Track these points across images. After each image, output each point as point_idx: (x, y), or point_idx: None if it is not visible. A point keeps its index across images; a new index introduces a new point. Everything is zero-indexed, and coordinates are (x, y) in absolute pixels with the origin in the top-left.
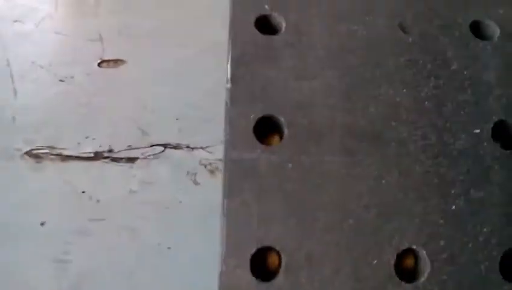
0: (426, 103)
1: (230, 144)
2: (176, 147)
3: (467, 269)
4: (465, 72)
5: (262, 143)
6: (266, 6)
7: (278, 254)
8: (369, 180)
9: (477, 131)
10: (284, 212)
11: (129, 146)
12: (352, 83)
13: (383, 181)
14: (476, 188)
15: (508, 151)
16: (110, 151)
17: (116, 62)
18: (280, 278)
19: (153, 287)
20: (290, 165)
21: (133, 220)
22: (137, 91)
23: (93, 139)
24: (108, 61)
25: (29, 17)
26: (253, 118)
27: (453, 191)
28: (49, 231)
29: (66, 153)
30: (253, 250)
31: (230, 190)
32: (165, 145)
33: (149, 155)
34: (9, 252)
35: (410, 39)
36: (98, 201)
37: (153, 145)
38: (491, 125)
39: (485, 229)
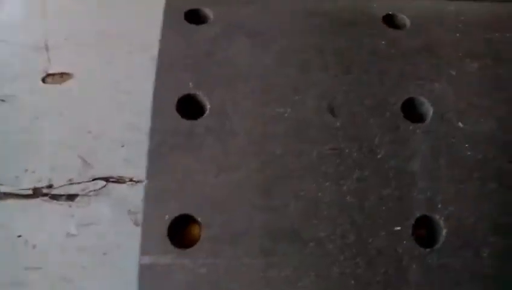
0: (348, 197)
1: (143, 247)
2: (119, 180)
3: None
4: (391, 162)
5: (180, 239)
6: (190, 85)
7: None
8: (284, 284)
9: (398, 229)
10: None
11: (70, 180)
12: (274, 176)
13: (299, 284)
14: (391, 288)
15: (428, 250)
16: (50, 187)
17: (62, 76)
18: None
19: None
20: (204, 269)
21: (69, 268)
22: (82, 112)
23: (33, 172)
24: (53, 75)
25: None
26: (167, 219)
27: None
28: None
29: (3, 189)
30: None
31: None
32: (107, 179)
33: (90, 191)
34: None
35: (338, 123)
36: (34, 246)
37: (95, 179)
38: (412, 222)
39: None
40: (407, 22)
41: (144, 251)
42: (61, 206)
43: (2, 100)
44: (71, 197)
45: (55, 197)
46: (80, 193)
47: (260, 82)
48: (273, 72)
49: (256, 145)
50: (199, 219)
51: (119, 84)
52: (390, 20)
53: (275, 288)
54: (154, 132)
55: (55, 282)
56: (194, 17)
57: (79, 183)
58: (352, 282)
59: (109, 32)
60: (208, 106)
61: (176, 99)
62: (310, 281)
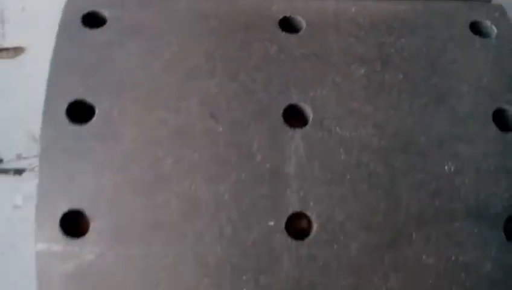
0: (225, 196)
1: (37, 237)
2: None
3: None
4: (267, 165)
5: (76, 228)
6: (80, 90)
7: None
8: (165, 269)
9: (271, 223)
10: None
11: (18, 155)
12: (156, 178)
13: (179, 270)
14: (265, 275)
15: (299, 242)
16: (0, 161)
17: (16, 50)
18: None
19: None
20: (92, 256)
21: (15, 237)
22: (33, 89)
23: None
24: (8, 49)
25: None
26: (59, 212)
27: (244, 278)
28: None
29: None
30: None
31: (38, 280)
32: None
33: (36, 166)
34: None
35: (220, 129)
36: None
37: None
38: (285, 218)
39: None
40: (303, 25)
41: (38, 239)
42: (9, 180)
43: None
44: (19, 171)
45: (3, 171)
46: (28, 167)
47: (147, 88)
48: (160, 79)
49: (140, 149)
50: (86, 213)
51: None
52: (286, 24)
53: (156, 274)
54: (44, 135)
55: (2, 249)
56: (92, 20)
57: (26, 158)
58: (228, 268)
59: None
60: (96, 111)
61: (65, 105)
62: (188, 268)
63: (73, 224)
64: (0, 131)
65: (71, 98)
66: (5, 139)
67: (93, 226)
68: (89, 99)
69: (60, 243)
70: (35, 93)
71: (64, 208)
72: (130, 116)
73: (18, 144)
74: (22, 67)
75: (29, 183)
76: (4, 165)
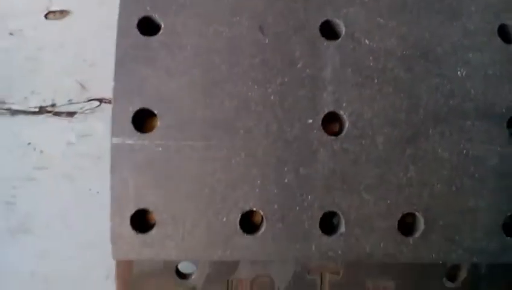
0: (271, 97)
1: (113, 132)
2: (110, 101)
3: (293, 226)
4: (307, 70)
5: (143, 126)
6: (148, 8)
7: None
8: (220, 160)
9: (310, 121)
10: (154, 184)
11: (69, 100)
12: (213, 81)
13: (232, 161)
14: (304, 166)
15: (333, 137)
16: (53, 105)
17: (62, 13)
18: (153, 231)
19: (84, 224)
20: (160, 148)
21: (70, 169)
22: (80, 45)
23: (39, 93)
24: (54, 12)
25: None
26: (131, 110)
27: (286, 168)
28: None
29: (14, 107)
30: (133, 211)
31: (112, 168)
32: (101, 100)
33: (86, 109)
34: None
35: (267, 40)
36: (41, 152)
37: (90, 100)
38: (322, 117)
39: (309, 197)
40: None
41: (114, 134)
42: (62, 121)
43: (11, 34)
44: (71, 114)
45: (57, 114)
46: (78, 110)
47: (204, 6)
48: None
49: (200, 56)
50: (155, 112)
51: (111, 20)
52: None
53: (213, 164)
54: (119, 45)
55: (58, 179)
56: None
57: (77, 103)
58: (273, 160)
59: None
60: (162, 26)
61: (136, 20)
62: (240, 159)
63: (144, 122)
64: (53, 80)
65: (140, 14)
66: (58, 87)
67: (160, 122)
68: (156, 15)
69: (132, 137)
70: (81, 49)
71: (136, 106)
72: (191, 29)
73: (69, 91)
74: (68, 27)
75: (80, 124)
76: (57, 109)
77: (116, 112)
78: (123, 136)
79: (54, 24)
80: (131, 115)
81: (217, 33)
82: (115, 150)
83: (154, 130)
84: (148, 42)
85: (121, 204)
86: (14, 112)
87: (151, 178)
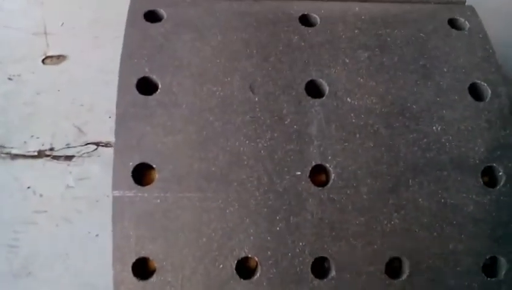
0: (262, 151)
1: (114, 184)
2: (107, 144)
3: (287, 270)
4: (294, 126)
5: (142, 180)
6: (146, 69)
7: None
8: (215, 211)
9: (298, 173)
10: (154, 233)
11: (67, 144)
12: (207, 137)
13: (227, 211)
14: (294, 215)
15: (320, 188)
16: (51, 149)
17: (59, 58)
18: (153, 278)
19: (84, 265)
20: (158, 200)
21: (69, 212)
22: (76, 89)
23: (37, 138)
24: (51, 57)
25: None
26: (131, 165)
27: (277, 217)
28: (2, 221)
29: (14, 151)
30: (134, 259)
31: (114, 219)
32: (98, 144)
33: (83, 153)
34: None
35: (256, 98)
36: (41, 195)
37: (88, 144)
38: (309, 169)
39: (300, 243)
40: (318, 20)
41: (114, 187)
42: (60, 165)
43: (10, 78)
44: (69, 157)
45: (55, 157)
46: (75, 154)
47: (199, 68)
48: (209, 60)
49: (195, 114)
50: (154, 166)
51: (106, 65)
52: (304, 20)
53: (208, 214)
54: (119, 104)
55: (58, 221)
56: (152, 16)
57: (75, 147)
58: (265, 210)
59: (99, 20)
60: (160, 85)
61: (135, 80)
62: (234, 209)
63: (143, 174)
64: (51, 124)
65: (139, 75)
66: (56, 131)
67: (159, 175)
68: (154, 76)
69: (132, 190)
70: (77, 93)
71: (135, 161)
72: (187, 89)
73: (66, 136)
74: (65, 72)
75: (77, 168)
76: (56, 153)
77: (117, 166)
78: (123, 189)
79: (51, 69)
80: (131, 169)
81: (210, 92)
82: (116, 202)
83: (153, 183)
84: (146, 101)
85: (123, 253)
86: (14, 156)
87: (151, 228)
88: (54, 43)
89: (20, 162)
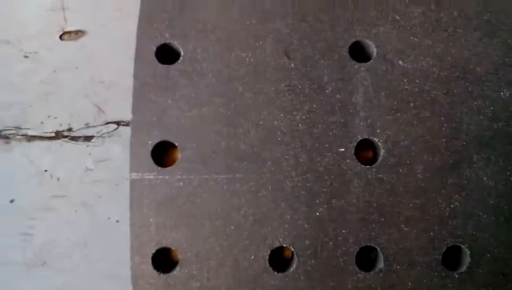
0: (300, 125)
1: (132, 166)
2: (128, 124)
3: (327, 262)
4: (337, 95)
5: (163, 160)
6: (166, 35)
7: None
8: (246, 194)
9: (342, 150)
10: (176, 221)
11: (86, 124)
12: (237, 110)
13: (259, 194)
14: (337, 198)
15: (368, 167)
16: (70, 130)
17: (77, 33)
18: (176, 270)
19: (103, 254)
20: (181, 183)
21: (88, 196)
22: (96, 66)
23: (55, 118)
24: (69, 32)
25: None
26: (150, 143)
27: (317, 201)
28: (17, 208)
29: (30, 133)
30: (154, 250)
31: (132, 205)
32: (119, 123)
33: (104, 133)
34: None
35: (292, 64)
36: (58, 179)
37: (108, 123)
38: (355, 144)
39: (343, 231)
40: None
41: (132, 169)
42: (79, 146)
43: (26, 56)
44: (88, 138)
45: (74, 138)
46: (95, 134)
47: (226, 31)
48: (236, 23)
49: (222, 84)
50: (176, 144)
51: (129, 39)
52: None
53: (238, 198)
54: (137, 75)
55: (77, 207)
56: None
57: (94, 126)
58: (303, 193)
59: None
60: (182, 53)
61: (154, 48)
62: (268, 192)
63: (164, 155)
64: (69, 103)
65: (159, 42)
66: (74, 110)
67: (182, 155)
68: (175, 43)
69: (151, 172)
70: (97, 70)
71: (155, 139)
72: (213, 56)
73: (86, 114)
74: (84, 48)
75: (97, 149)
76: (74, 133)
77: (135, 146)
78: (142, 171)
79: (70, 45)
80: (150, 148)
81: (239, 59)
82: (134, 186)
83: (175, 164)
84: (168, 71)
85: (142, 243)
86: (30, 138)
87: (173, 215)
88: (72, 17)
89: (36, 144)
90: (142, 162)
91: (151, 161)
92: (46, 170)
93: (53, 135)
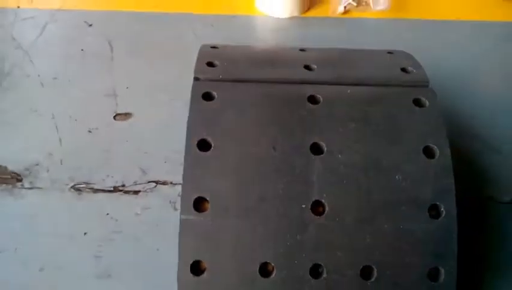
0: (280, 191)
1: (181, 210)
2: (164, 183)
3: (293, 273)
4: (302, 175)
5: (199, 208)
6: (204, 133)
7: None
8: (247, 232)
9: (303, 206)
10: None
11: (135, 182)
12: (244, 182)
13: (255, 232)
14: (300, 235)
15: (318, 216)
16: (123, 185)
17: (126, 115)
18: (204, 275)
19: (150, 277)
20: (210, 222)
21: (138, 232)
22: (140, 140)
23: (112, 177)
24: (120, 114)
25: (62, 77)
26: (192, 198)
27: (288, 236)
28: (89, 238)
29: (96, 187)
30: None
31: (180, 235)
32: (157, 182)
33: (147, 189)
34: (60, 253)
35: (277, 154)
36: (116, 220)
37: (149, 182)
38: (311, 203)
39: (303, 254)
40: (321, 99)
41: (182, 212)
42: (130, 197)
43: (89, 131)
44: (136, 192)
45: (126, 192)
46: (141, 189)
47: (238, 134)
48: (245, 128)
49: (236, 166)
50: (208, 199)
51: (164, 121)
52: (311, 99)
53: (243, 234)
54: (185, 159)
55: (130, 240)
56: (207, 96)
57: (140, 184)
58: (281, 231)
59: (156, 83)
60: (213, 145)
61: (196, 141)
62: (261, 231)
63: (199, 205)
64: (122, 167)
65: (199, 138)
66: (125, 172)
67: (210, 206)
68: (209, 138)
69: (191, 215)
70: (142, 144)
71: (195, 195)
72: (232, 150)
73: (134, 176)
74: (132, 126)
75: (142, 200)
76: (126, 188)
77: (183, 198)
78: (187, 214)
79: (121, 124)
80: (192, 201)
81: (246, 151)
82: (183, 224)
83: (206, 211)
84: (204, 156)
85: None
86: (96, 191)
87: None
88: (122, 103)
89: (100, 195)
90: (187, 209)
91: (193, 209)
92: (107, 213)
93: (112, 189)
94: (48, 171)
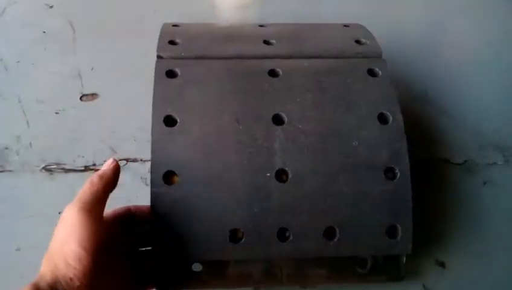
0: (245, 161)
1: (151, 184)
2: (134, 160)
3: (261, 237)
4: (264, 144)
5: (169, 181)
6: (169, 110)
7: None
8: (216, 200)
9: (268, 174)
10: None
11: (104, 161)
12: (209, 152)
13: (222, 200)
14: (266, 201)
15: (282, 183)
16: (94, 165)
17: (93, 96)
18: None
19: None
20: (180, 194)
21: (111, 206)
22: (108, 120)
23: (83, 157)
24: (87, 95)
25: (25, 60)
26: (162, 172)
27: (254, 203)
28: None
29: (67, 167)
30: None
31: (152, 207)
32: (127, 159)
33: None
34: (36, 234)
35: (240, 127)
36: None
37: (120, 160)
38: (275, 171)
39: (269, 220)
40: (280, 73)
41: (152, 186)
42: None
43: (57, 112)
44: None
45: (97, 171)
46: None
47: (202, 108)
48: (208, 103)
49: (201, 138)
50: (176, 172)
51: (130, 100)
52: (271, 72)
53: (212, 201)
54: (153, 133)
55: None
56: (170, 74)
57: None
58: (248, 198)
59: (120, 63)
60: (178, 120)
61: (162, 117)
62: (228, 198)
63: (169, 178)
64: (91, 147)
65: (164, 114)
66: (95, 152)
67: (179, 178)
68: (174, 114)
69: (162, 188)
70: (110, 123)
71: (164, 169)
72: (195, 123)
73: (103, 155)
74: (98, 106)
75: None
76: (97, 167)
77: (153, 173)
78: (157, 187)
79: (88, 104)
80: (162, 174)
81: (209, 124)
82: (153, 197)
83: (175, 184)
84: (171, 131)
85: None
86: (67, 170)
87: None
88: (88, 84)
89: (72, 175)
90: (157, 183)
91: (162, 182)
92: None
93: (83, 168)
94: (17, 154)
